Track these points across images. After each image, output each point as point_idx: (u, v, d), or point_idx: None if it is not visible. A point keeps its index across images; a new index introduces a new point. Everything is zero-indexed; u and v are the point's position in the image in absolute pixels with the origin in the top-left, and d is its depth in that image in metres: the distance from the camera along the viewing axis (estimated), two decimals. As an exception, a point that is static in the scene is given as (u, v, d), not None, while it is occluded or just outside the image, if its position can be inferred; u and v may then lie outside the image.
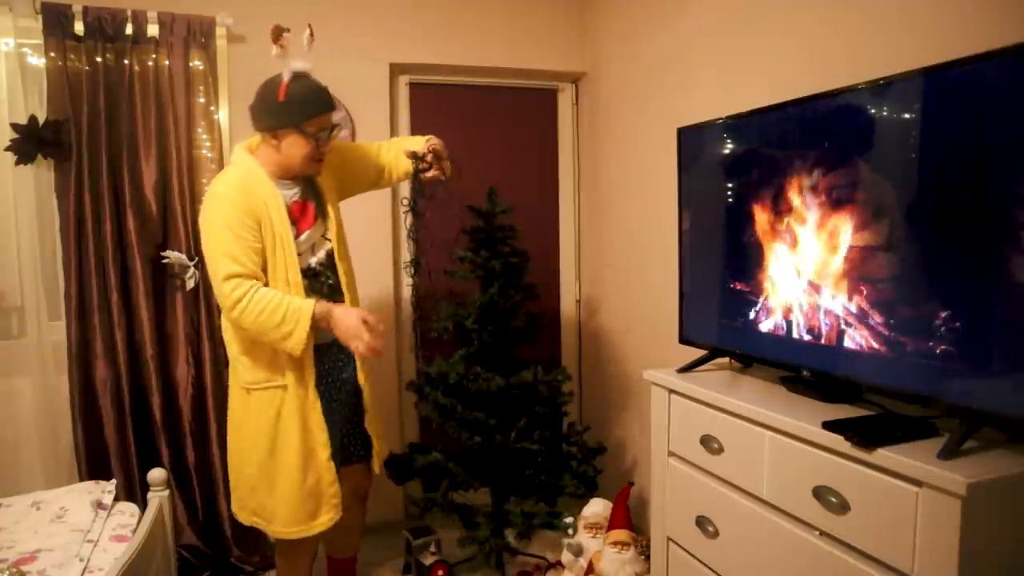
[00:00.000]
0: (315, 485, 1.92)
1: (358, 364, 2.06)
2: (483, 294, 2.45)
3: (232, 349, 1.96)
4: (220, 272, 1.79)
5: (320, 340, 1.93)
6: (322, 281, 1.98)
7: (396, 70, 3.01)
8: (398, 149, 2.13)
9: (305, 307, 1.80)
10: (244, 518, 2.02)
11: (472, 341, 2.49)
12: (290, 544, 2.00)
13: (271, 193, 1.88)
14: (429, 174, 2.04)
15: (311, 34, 1.73)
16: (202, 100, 2.61)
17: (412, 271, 2.12)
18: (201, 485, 2.66)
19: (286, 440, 1.89)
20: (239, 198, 1.82)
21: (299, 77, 1.82)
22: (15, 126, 2.39)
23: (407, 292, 3.06)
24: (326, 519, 1.94)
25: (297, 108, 1.82)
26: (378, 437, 2.15)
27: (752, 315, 1.76)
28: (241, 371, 1.94)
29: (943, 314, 1.25)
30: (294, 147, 1.86)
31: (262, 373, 1.90)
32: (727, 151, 1.86)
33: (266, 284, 1.85)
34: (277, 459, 1.90)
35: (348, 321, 1.81)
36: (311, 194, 2.00)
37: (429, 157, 2.03)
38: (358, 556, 2.36)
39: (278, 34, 1.74)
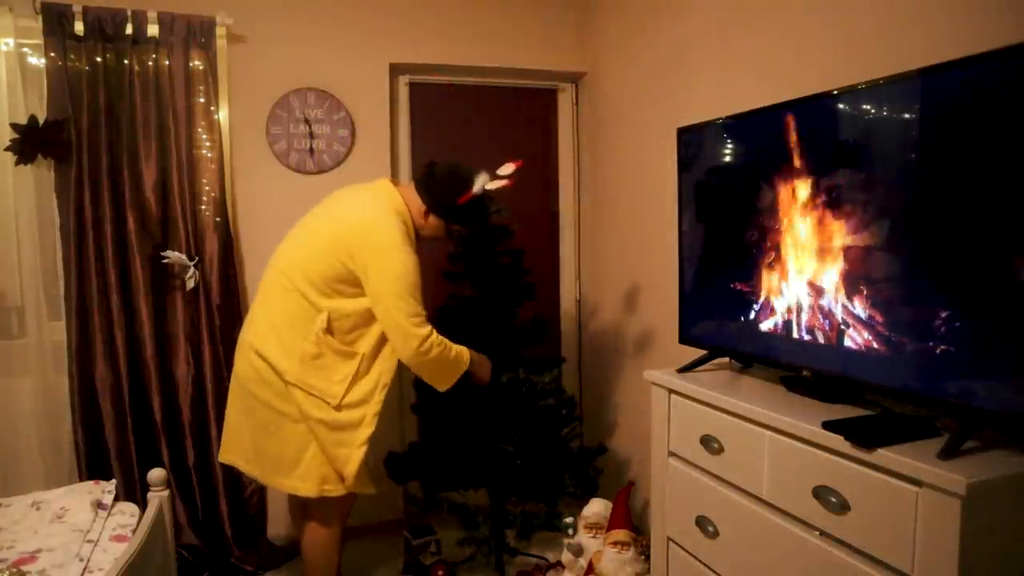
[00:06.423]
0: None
1: None
2: (475, 294, 2.45)
3: (341, 339, 2.00)
4: (413, 312, 1.94)
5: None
6: None
7: (396, 70, 3.01)
8: None
9: (463, 348, 2.10)
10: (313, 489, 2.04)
11: (467, 341, 2.48)
12: (338, 504, 2.10)
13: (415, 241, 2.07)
14: None
15: (511, 180, 2.08)
16: (202, 100, 2.61)
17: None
18: (201, 485, 2.66)
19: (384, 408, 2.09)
20: (411, 242, 1.99)
21: (481, 194, 2.07)
22: (15, 126, 2.39)
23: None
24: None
25: (464, 215, 2.11)
26: None
27: (752, 315, 1.76)
28: (362, 344, 2.01)
29: (943, 314, 1.25)
30: (432, 228, 2.11)
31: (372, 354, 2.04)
32: (727, 151, 1.86)
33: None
34: (372, 425, 2.03)
35: (486, 363, 2.23)
36: None
37: None
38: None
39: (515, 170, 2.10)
